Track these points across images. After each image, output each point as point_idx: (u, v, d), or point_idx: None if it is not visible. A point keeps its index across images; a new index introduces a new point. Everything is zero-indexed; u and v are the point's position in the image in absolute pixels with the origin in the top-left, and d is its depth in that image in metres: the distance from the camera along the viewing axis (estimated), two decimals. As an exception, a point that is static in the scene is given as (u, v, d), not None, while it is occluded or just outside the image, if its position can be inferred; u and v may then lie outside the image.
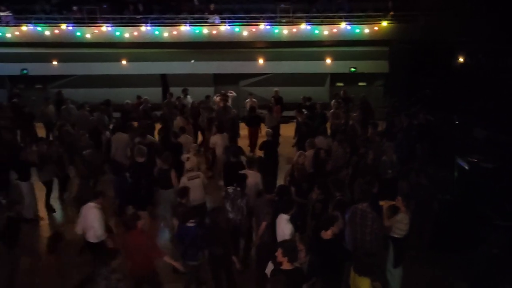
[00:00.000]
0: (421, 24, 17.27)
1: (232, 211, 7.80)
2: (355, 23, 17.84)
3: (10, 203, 7.70)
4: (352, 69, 18.20)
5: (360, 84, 18.76)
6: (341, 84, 18.47)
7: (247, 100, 16.55)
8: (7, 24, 18.12)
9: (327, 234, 6.19)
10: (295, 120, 15.81)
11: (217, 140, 11.56)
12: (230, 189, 8.00)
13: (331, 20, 18.14)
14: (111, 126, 13.06)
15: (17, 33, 17.86)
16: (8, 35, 17.83)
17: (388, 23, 17.74)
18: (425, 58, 16.02)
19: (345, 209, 7.23)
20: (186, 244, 6.93)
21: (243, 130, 14.55)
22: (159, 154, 9.67)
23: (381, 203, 7.19)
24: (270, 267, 5.95)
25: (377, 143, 10.72)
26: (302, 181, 8.61)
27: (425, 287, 7.75)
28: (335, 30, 17.81)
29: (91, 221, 7.29)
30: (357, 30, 17.77)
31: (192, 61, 18.23)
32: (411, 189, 8.71)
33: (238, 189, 7.94)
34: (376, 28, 17.75)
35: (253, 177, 8.53)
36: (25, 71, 18.10)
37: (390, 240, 7.21)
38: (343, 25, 17.78)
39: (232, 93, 16.12)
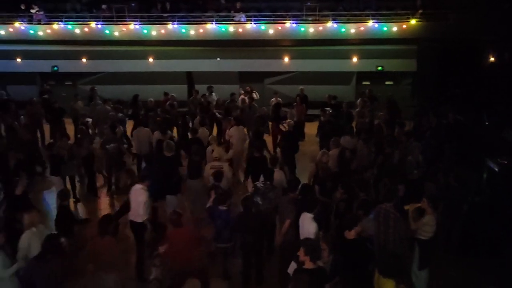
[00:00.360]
0: (450, 22, 16.90)
1: (263, 205, 7.90)
2: (383, 21, 17.57)
3: (62, 193, 7.99)
4: (379, 67, 17.97)
5: (387, 83, 18.49)
6: (368, 83, 18.24)
7: (272, 99, 16.54)
8: (39, 22, 18.56)
9: (350, 234, 6.14)
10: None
11: (234, 133, 11.64)
12: (260, 183, 8.19)
13: (358, 18, 17.94)
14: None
15: (48, 31, 18.27)
16: (40, 33, 18.25)
17: (417, 21, 17.41)
18: (455, 57, 15.73)
19: (370, 209, 7.16)
20: (218, 226, 7.18)
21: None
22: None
23: (406, 207, 7.08)
24: (292, 266, 5.93)
25: (404, 143, 10.55)
26: (326, 180, 8.54)
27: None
28: (362, 28, 17.59)
29: (139, 201, 7.57)
30: (385, 28, 17.50)
31: (218, 59, 18.32)
32: (438, 190, 8.54)
33: (268, 182, 8.12)
34: (404, 26, 17.44)
35: (278, 175, 8.63)
36: (55, 68, 18.53)
37: (416, 241, 7.09)
38: (371, 23, 17.56)
39: (255, 94, 16.14)
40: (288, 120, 12.82)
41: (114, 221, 6.99)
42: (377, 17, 17.66)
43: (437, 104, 14.32)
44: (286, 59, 18.24)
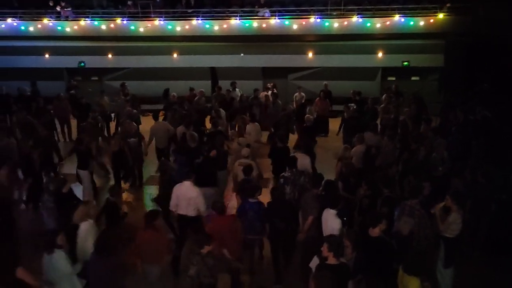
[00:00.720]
0: (479, 16, 16.47)
1: (292, 193, 8.03)
2: (409, 15, 17.27)
3: (112, 189, 8.20)
4: (405, 63, 17.67)
5: (413, 78, 18.20)
6: (393, 78, 18.00)
7: (295, 94, 16.49)
8: (66, 18, 18.91)
9: (374, 232, 6.06)
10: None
11: (250, 130, 11.72)
12: (287, 173, 8.31)
13: (384, 12, 17.67)
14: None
15: (75, 27, 18.58)
16: (68, 29, 18.58)
17: (445, 15, 17.05)
18: (483, 52, 15.36)
19: (394, 206, 7.07)
20: (249, 219, 7.23)
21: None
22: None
23: (432, 211, 6.95)
24: (315, 261, 5.90)
25: (430, 139, 10.36)
26: (350, 176, 8.47)
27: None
28: (388, 23, 17.33)
29: (190, 197, 7.69)
30: (411, 23, 17.21)
31: (242, 54, 18.32)
32: (465, 187, 8.36)
33: (294, 170, 8.25)
34: (431, 20, 17.12)
35: (302, 159, 8.79)
36: (82, 64, 18.84)
37: (442, 239, 6.97)
38: (397, 18, 17.27)
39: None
40: (307, 115, 12.84)
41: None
42: (404, 11, 17.36)
43: (464, 100, 14.02)
44: (310, 54, 18.12)
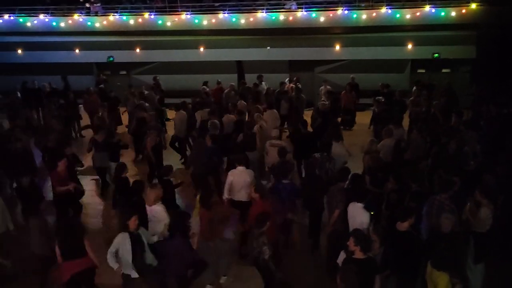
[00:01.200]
0: (514, 6, 15.93)
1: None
2: (441, 6, 16.85)
3: (166, 168, 8.50)
4: (436, 54, 17.24)
5: (444, 70, 17.76)
6: (423, 71, 17.65)
7: (321, 87, 16.34)
8: (96, 14, 19.23)
9: (403, 226, 5.96)
10: (372, 108, 15.42)
11: (268, 117, 11.95)
12: (317, 154, 8.76)
13: (414, 3, 17.30)
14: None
15: (104, 22, 18.89)
16: (97, 24, 18.90)
17: (477, 5, 16.54)
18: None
19: (422, 201, 6.93)
20: (283, 199, 7.51)
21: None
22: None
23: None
24: (342, 256, 5.85)
25: (461, 133, 10.10)
26: (377, 170, 8.33)
27: (508, 287, 7.21)
28: (418, 14, 16.95)
29: (247, 182, 8.07)
30: (443, 14, 16.78)
31: (268, 47, 18.25)
32: (497, 182, 8.11)
33: (325, 154, 8.73)
34: (463, 10, 16.64)
35: (337, 148, 9.33)
36: (111, 59, 19.15)
37: (472, 235, 6.79)
38: (428, 8, 16.87)
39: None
40: (321, 102, 13.15)
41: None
42: (434, 2, 16.96)
43: (497, 93, 13.60)
44: (337, 47, 17.91)
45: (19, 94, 16.45)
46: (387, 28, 17.31)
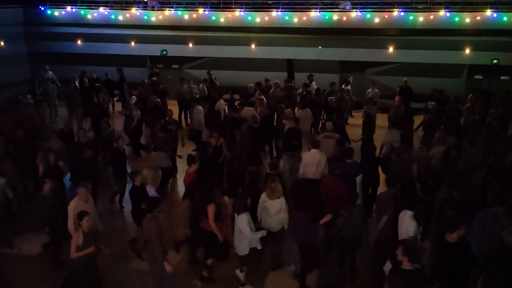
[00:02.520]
0: None
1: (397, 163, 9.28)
2: (503, 10, 16.15)
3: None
4: (495, 61, 16.56)
5: (503, 77, 17.00)
6: (480, 77, 16.94)
7: (368, 90, 16.09)
8: (152, 8, 19.73)
9: (452, 237, 5.80)
10: (423, 113, 15.02)
11: (301, 115, 12.29)
12: (397, 144, 9.75)
13: (474, 7, 16.67)
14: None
15: (160, 17, 19.34)
16: (153, 18, 19.39)
17: (542, 11, 15.75)
18: None
19: (462, 210, 6.81)
20: (347, 175, 8.56)
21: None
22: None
23: None
24: (388, 264, 5.77)
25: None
26: (429, 178, 8.14)
27: None
28: (478, 18, 16.32)
29: (321, 162, 9.09)
30: (505, 18, 16.07)
31: (320, 47, 18.11)
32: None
33: (403, 145, 9.75)
34: (527, 16, 15.89)
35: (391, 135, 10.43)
36: (164, 52, 19.59)
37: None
38: (489, 13, 16.22)
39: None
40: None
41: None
42: (496, 6, 16.26)
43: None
44: (391, 49, 17.53)
45: (77, 84, 17.12)
46: (444, 31, 16.79)
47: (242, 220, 6.96)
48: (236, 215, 7.13)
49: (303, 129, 11.48)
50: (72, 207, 7.14)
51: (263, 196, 7.49)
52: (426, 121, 12.65)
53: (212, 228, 7.15)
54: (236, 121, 11.62)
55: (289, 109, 12.86)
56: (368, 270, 7.49)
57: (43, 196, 7.77)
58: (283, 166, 9.34)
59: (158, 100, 13.92)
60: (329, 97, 14.33)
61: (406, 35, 17.29)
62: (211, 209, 7.14)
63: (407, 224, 6.37)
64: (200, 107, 13.52)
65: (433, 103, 13.58)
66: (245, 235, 7.05)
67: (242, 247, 7.21)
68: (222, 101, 14.26)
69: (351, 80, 16.34)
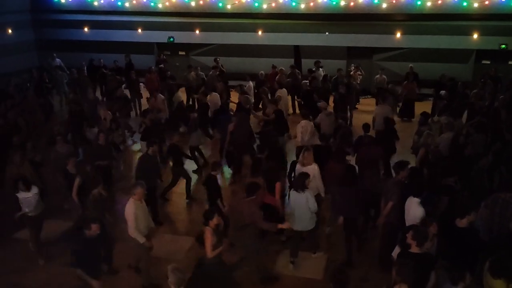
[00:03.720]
0: None
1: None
2: (512, -6, 15.99)
3: (214, 164, 8.60)
4: (503, 45, 16.42)
5: (511, 62, 16.90)
6: (488, 62, 16.86)
7: (376, 76, 16.07)
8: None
9: (462, 223, 5.90)
10: (431, 98, 15.05)
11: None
12: (423, 127, 10.01)
13: (482, -9, 16.51)
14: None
15: (167, 3, 19.29)
16: (159, 5, 19.36)
17: (552, -5, 15.58)
18: None
19: (453, 194, 7.00)
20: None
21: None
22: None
23: None
24: (397, 250, 5.89)
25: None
26: (436, 164, 8.21)
27: None
28: (487, 2, 16.16)
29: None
30: (513, 3, 15.93)
31: (327, 33, 18.04)
32: None
33: (428, 131, 9.71)
34: (536, 0, 15.73)
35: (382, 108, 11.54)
36: (171, 39, 19.60)
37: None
38: (498, -4, 16.08)
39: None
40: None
41: None
42: (505, -10, 16.09)
43: None
44: (398, 35, 17.44)
45: (85, 71, 17.23)
46: (452, 16, 16.65)
47: (309, 196, 7.34)
48: (299, 191, 7.35)
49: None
50: (132, 209, 6.77)
51: (298, 165, 8.35)
52: (441, 108, 12.65)
53: (277, 204, 7.81)
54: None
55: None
56: (375, 255, 7.62)
57: (93, 200, 7.49)
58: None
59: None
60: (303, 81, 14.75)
61: (414, 20, 17.18)
62: (278, 186, 7.93)
63: (415, 211, 6.45)
64: (215, 94, 13.62)
65: (444, 92, 13.53)
66: (311, 210, 7.38)
67: (308, 222, 7.50)
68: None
69: (353, 67, 16.36)
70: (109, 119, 11.41)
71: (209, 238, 6.14)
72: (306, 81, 14.62)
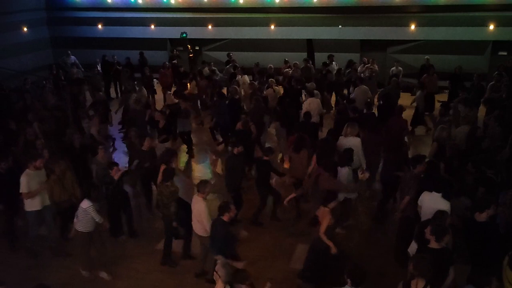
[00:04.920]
0: None
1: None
2: (530, -17, 15.69)
3: (268, 149, 9.05)
4: (520, 36, 16.17)
5: (528, 53, 16.65)
6: (505, 53, 16.60)
7: (392, 68, 15.93)
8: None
9: (481, 217, 5.84)
10: (446, 91, 14.86)
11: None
12: (445, 118, 10.22)
13: (499, -19, 16.23)
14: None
15: (179, -1, 19.39)
16: (172, 1, 19.38)
17: None
18: None
19: (494, 189, 6.82)
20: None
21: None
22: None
23: None
24: (413, 245, 5.86)
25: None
26: (454, 158, 8.14)
27: None
28: (504, -8, 15.91)
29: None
30: (532, -8, 15.62)
31: (340, 26, 17.93)
32: None
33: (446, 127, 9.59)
34: (555, -11, 15.40)
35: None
36: (184, 35, 19.63)
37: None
38: (514, -14, 15.78)
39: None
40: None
41: None
42: (522, -21, 15.79)
43: None
44: (413, 27, 17.25)
45: (99, 68, 17.37)
46: (467, 7, 16.38)
47: (344, 172, 7.80)
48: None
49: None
50: (204, 207, 6.79)
51: (341, 137, 9.12)
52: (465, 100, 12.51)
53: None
54: None
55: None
56: (391, 250, 7.60)
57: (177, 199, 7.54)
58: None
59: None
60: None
61: (428, 12, 16.97)
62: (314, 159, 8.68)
63: (441, 205, 6.28)
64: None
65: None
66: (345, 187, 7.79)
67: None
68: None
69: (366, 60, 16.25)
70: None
71: (327, 220, 6.53)
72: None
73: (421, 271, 4.81)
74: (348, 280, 4.95)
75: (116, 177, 8.05)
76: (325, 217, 6.56)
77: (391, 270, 7.23)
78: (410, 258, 5.45)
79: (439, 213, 5.89)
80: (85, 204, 7.05)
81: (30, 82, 14.77)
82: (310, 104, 11.71)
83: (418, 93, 13.21)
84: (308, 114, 10.50)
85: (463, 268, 5.88)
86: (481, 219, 5.83)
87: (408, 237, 6.40)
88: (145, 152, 9.22)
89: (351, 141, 8.76)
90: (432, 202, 6.43)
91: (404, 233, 7.09)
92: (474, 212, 5.90)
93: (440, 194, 6.40)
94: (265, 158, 8.66)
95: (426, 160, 7.58)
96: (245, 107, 12.99)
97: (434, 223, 5.48)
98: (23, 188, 7.52)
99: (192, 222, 7.04)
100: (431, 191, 6.51)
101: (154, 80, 16.50)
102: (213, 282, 5.33)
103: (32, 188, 7.54)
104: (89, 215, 7.05)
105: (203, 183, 7.00)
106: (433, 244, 5.36)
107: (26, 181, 7.52)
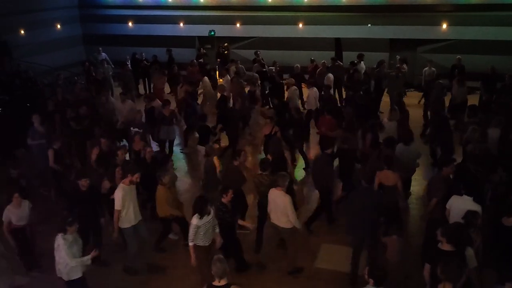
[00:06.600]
0: None
1: None
2: None
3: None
4: (555, 36, 15.68)
5: None
6: (541, 53, 16.12)
7: (425, 68, 15.65)
8: (200, -11, 19.91)
9: (509, 221, 5.74)
10: (478, 92, 14.55)
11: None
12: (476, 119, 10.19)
13: (534, -21, 15.76)
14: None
15: (208, -3, 19.54)
16: (201, -1, 19.62)
17: None
18: None
19: None
20: None
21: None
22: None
23: None
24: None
25: None
26: (483, 160, 7.96)
27: None
28: (537, -9, 15.45)
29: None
30: None
31: (369, 25, 17.75)
32: None
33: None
34: None
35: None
36: (212, 33, 19.78)
37: None
38: (550, -15, 15.31)
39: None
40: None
41: None
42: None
43: None
44: (444, 26, 16.93)
45: (129, 65, 17.65)
46: (500, 6, 16.01)
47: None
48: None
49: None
50: (287, 199, 6.81)
51: (384, 119, 10.31)
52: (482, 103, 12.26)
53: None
54: None
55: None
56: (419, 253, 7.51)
57: (225, 204, 6.96)
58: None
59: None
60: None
61: (460, 11, 16.65)
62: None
63: (471, 208, 6.17)
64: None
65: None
66: None
67: None
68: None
69: (399, 58, 16.00)
70: None
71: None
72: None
73: (448, 274, 4.75)
74: (370, 280, 4.93)
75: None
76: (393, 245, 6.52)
77: (418, 273, 7.13)
78: (427, 261, 5.39)
79: (470, 214, 5.79)
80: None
81: (63, 78, 15.15)
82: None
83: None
84: None
85: (491, 272, 5.79)
86: (509, 223, 5.72)
87: (436, 240, 6.32)
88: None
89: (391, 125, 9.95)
90: (462, 205, 6.31)
91: (431, 236, 6.99)
92: (502, 216, 5.79)
93: (471, 198, 6.29)
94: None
95: (455, 163, 7.47)
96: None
97: (446, 226, 5.44)
98: (117, 205, 6.87)
99: (272, 215, 7.05)
100: (461, 195, 6.39)
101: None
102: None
103: (125, 204, 6.93)
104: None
105: (283, 176, 6.97)
106: (445, 246, 5.30)
107: (121, 196, 6.87)
